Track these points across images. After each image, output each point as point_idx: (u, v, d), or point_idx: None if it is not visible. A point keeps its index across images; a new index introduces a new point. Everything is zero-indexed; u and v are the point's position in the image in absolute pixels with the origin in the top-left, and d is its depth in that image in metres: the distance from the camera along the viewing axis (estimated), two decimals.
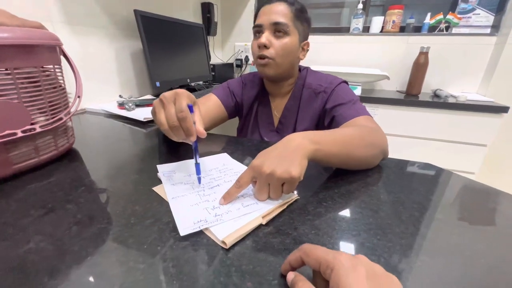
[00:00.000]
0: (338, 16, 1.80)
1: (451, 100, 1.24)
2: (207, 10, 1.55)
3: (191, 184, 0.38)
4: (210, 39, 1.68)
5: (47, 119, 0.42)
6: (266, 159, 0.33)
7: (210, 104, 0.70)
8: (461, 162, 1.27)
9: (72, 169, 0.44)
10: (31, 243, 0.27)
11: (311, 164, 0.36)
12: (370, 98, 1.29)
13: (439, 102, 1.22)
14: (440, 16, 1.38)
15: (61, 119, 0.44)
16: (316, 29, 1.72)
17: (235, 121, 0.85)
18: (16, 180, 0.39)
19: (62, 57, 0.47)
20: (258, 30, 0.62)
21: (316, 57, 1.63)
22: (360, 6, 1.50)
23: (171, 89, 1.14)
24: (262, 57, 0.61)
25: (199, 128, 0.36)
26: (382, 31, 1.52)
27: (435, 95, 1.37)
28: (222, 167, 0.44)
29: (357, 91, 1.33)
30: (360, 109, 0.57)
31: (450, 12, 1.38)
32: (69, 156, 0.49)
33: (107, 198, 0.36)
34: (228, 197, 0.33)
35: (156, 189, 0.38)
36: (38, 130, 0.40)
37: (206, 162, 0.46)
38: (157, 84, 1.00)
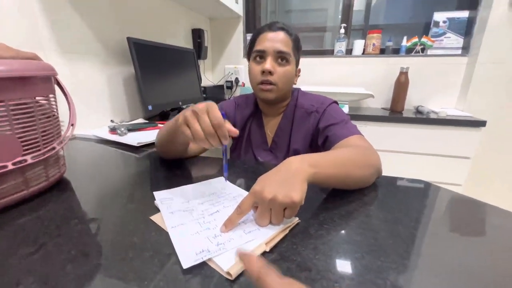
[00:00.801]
0: (321, 39, 1.91)
1: (433, 115, 1.31)
2: (197, 35, 1.61)
3: (190, 211, 0.37)
4: (201, 62, 1.73)
5: (39, 149, 0.41)
6: (266, 184, 0.33)
7: None
8: (448, 174, 1.32)
9: (63, 200, 0.42)
10: (21, 286, 0.25)
11: (309, 185, 0.37)
12: (358, 116, 1.34)
13: (422, 118, 1.28)
14: (416, 39, 1.50)
15: (54, 148, 0.43)
16: (302, 51, 1.80)
17: None
18: (3, 215, 0.37)
19: (56, 85, 0.47)
20: (260, 55, 0.64)
21: (303, 78, 1.69)
22: (342, 30, 1.60)
23: (163, 111, 1.16)
24: (266, 82, 0.64)
25: (231, 127, 0.38)
26: (364, 53, 1.62)
27: (418, 111, 1.44)
28: (220, 192, 0.44)
29: (345, 109, 1.38)
30: (352, 128, 0.59)
31: (424, 35, 1.50)
32: (60, 186, 0.47)
33: (102, 231, 0.34)
34: (230, 224, 0.33)
35: (153, 218, 0.37)
36: (30, 161, 0.39)
37: (203, 187, 0.46)
38: (150, 107, 1.00)
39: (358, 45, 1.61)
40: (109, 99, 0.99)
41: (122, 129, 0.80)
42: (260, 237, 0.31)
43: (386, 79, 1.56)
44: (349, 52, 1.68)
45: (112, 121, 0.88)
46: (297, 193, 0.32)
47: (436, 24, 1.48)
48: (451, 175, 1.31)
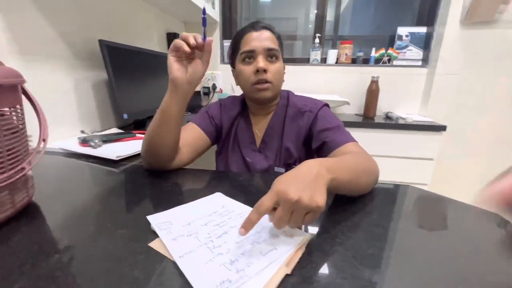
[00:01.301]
0: (291, 47, 1.97)
1: (401, 121, 1.42)
2: (172, 39, 1.54)
3: (194, 236, 0.34)
4: None
5: (4, 171, 0.34)
6: (290, 185, 0.31)
7: (192, 134, 0.67)
8: (415, 175, 1.43)
9: (35, 229, 0.36)
10: None
11: None
12: None
13: (392, 123, 1.38)
14: (383, 51, 1.62)
15: (23, 169, 0.36)
16: None
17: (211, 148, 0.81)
18: None
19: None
20: (249, 55, 0.63)
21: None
22: (317, 40, 1.67)
23: (138, 120, 1.08)
24: (262, 81, 0.62)
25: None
26: (337, 62, 1.71)
27: (387, 117, 1.55)
28: (222, 210, 0.41)
29: None
30: (348, 135, 0.61)
31: (390, 47, 1.62)
32: (29, 212, 0.40)
33: (92, 265, 0.29)
34: (250, 225, 0.30)
35: (153, 245, 0.33)
36: None
37: (201, 206, 0.42)
38: (125, 116, 0.92)
39: (332, 54, 1.69)
40: (77, 107, 0.89)
41: (96, 140, 0.72)
42: (278, 258, 0.29)
43: (358, 87, 1.66)
44: (323, 61, 1.75)
45: (82, 131, 0.79)
46: (321, 198, 0.31)
47: (400, 37, 1.62)
48: (418, 176, 1.42)
